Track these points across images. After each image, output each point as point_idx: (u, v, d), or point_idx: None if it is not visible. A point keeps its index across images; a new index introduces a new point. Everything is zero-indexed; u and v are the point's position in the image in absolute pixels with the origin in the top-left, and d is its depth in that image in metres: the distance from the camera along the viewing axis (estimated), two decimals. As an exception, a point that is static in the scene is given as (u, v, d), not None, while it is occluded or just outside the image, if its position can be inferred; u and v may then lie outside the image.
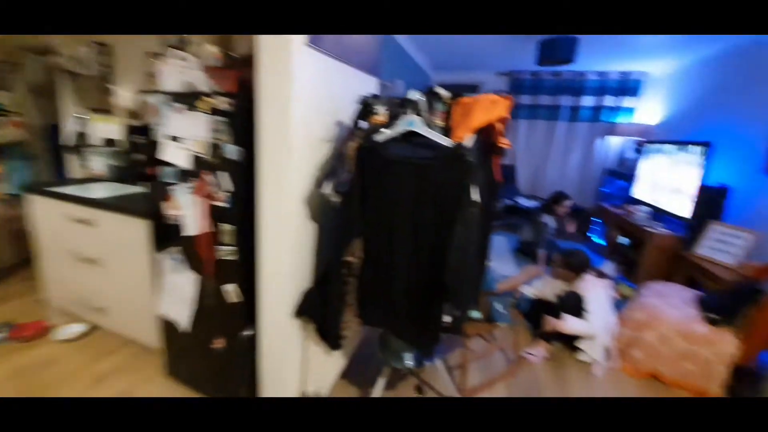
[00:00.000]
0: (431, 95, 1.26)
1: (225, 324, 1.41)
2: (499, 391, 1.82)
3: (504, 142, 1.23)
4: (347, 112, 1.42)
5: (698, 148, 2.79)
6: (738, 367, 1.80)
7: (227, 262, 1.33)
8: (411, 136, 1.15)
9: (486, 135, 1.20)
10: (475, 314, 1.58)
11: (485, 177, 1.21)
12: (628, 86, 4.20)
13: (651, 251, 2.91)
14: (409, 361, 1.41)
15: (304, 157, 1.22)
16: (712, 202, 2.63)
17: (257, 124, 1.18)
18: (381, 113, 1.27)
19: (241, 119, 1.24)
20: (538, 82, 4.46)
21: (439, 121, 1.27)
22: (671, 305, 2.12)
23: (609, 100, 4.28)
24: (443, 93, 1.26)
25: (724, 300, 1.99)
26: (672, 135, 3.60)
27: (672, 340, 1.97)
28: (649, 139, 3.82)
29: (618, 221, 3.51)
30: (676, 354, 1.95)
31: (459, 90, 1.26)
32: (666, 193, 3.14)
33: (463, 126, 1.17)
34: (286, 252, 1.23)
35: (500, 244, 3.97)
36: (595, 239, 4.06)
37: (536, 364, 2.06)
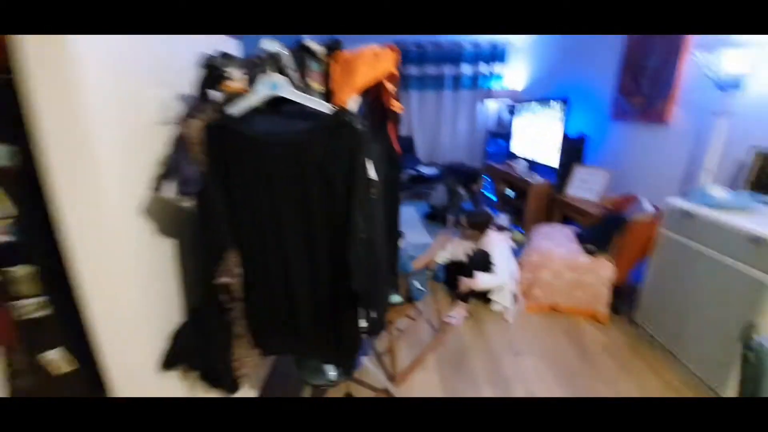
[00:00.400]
0: (302, 51, 0.92)
1: (61, 402, 0.93)
2: (429, 362, 1.69)
3: (397, 106, 0.97)
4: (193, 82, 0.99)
5: (558, 104, 2.98)
6: (615, 286, 1.98)
7: (36, 321, 0.84)
8: (279, 105, 0.80)
9: (375, 97, 0.93)
10: (396, 298, 1.38)
11: (383, 149, 0.95)
12: (497, 53, 4.37)
13: (532, 199, 3.10)
14: (332, 373, 1.14)
15: (123, 150, 0.78)
16: (573, 149, 2.86)
17: (30, 107, 0.69)
18: (236, 78, 0.88)
19: (4, 101, 0.73)
20: (422, 53, 4.35)
21: (316, 85, 0.95)
22: (557, 244, 2.24)
23: (483, 68, 4.41)
24: (316, 48, 0.93)
25: (596, 232, 2.16)
26: (536, 94, 3.85)
27: (563, 274, 2.08)
28: (518, 100, 4.05)
29: (503, 176, 3.69)
30: (568, 285, 2.07)
31: (336, 43, 0.94)
32: (537, 146, 3.36)
33: (345, 87, 0.87)
34: (124, 287, 0.81)
35: (409, 214, 3.90)
36: (488, 195, 4.28)
37: (458, 325, 2.00)
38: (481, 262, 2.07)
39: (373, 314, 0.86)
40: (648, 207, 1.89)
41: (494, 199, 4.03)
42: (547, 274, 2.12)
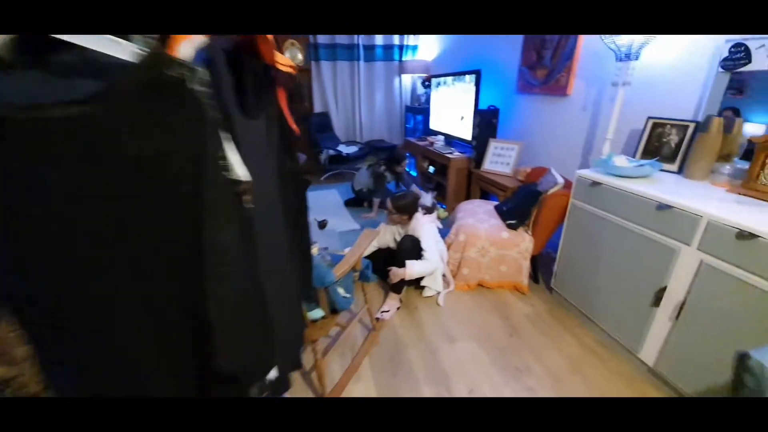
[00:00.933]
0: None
1: None
2: (363, 369, 1.50)
3: (283, 62, 0.65)
4: None
5: (471, 77, 2.92)
6: (533, 257, 2.02)
7: None
8: (43, 52, 0.42)
9: (246, 48, 0.59)
10: (318, 313, 1.11)
11: (268, 130, 0.63)
12: (408, 24, 4.16)
13: (452, 174, 3.06)
14: None
15: None
16: (487, 122, 2.85)
17: None
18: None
19: None
20: (329, 19, 3.90)
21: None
22: (480, 220, 2.20)
23: (396, 38, 4.17)
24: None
25: (513, 205, 2.17)
26: (449, 67, 3.78)
27: (488, 251, 2.06)
28: (433, 74, 3.94)
29: (423, 152, 3.60)
30: (493, 261, 2.06)
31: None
32: (453, 121, 3.30)
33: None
34: None
35: (331, 198, 3.58)
36: (411, 171, 4.19)
37: (392, 317, 1.84)
38: (412, 249, 1.91)
39: (273, 376, 0.58)
40: (558, 178, 1.92)
41: (415, 175, 3.95)
42: (474, 252, 2.07)
